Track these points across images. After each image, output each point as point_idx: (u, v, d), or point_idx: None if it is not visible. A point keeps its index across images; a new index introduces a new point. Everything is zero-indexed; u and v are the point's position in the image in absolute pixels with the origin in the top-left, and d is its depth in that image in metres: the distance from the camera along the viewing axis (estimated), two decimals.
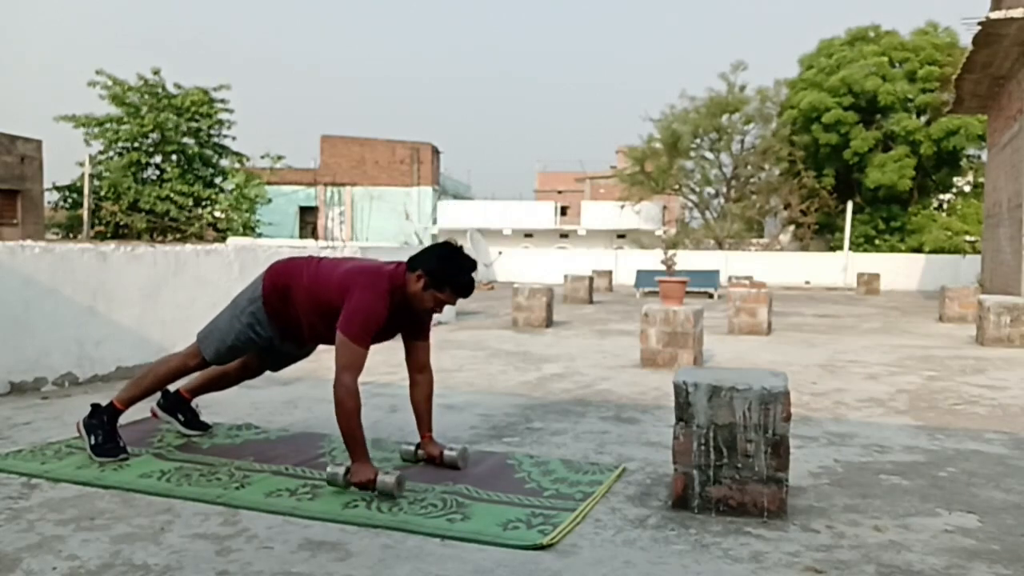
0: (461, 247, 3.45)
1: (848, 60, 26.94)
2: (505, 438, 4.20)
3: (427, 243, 31.82)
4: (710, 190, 31.86)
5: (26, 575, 2.42)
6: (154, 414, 4.10)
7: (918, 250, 25.15)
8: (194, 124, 26.26)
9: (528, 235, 35.73)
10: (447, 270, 3.34)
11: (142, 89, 25.79)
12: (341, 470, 3.14)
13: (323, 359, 6.74)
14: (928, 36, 26.96)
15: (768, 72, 60.02)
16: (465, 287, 3.38)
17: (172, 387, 4.05)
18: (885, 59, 26.52)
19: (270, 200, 30.51)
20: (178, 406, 4.05)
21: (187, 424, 4.05)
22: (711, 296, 18.07)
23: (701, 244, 29.03)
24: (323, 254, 7.20)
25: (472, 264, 3.40)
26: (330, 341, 3.35)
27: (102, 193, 25.64)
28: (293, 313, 3.54)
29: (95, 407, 3.71)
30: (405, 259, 3.46)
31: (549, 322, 10.49)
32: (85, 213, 24.99)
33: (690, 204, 33.25)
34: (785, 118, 28.16)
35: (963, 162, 27.46)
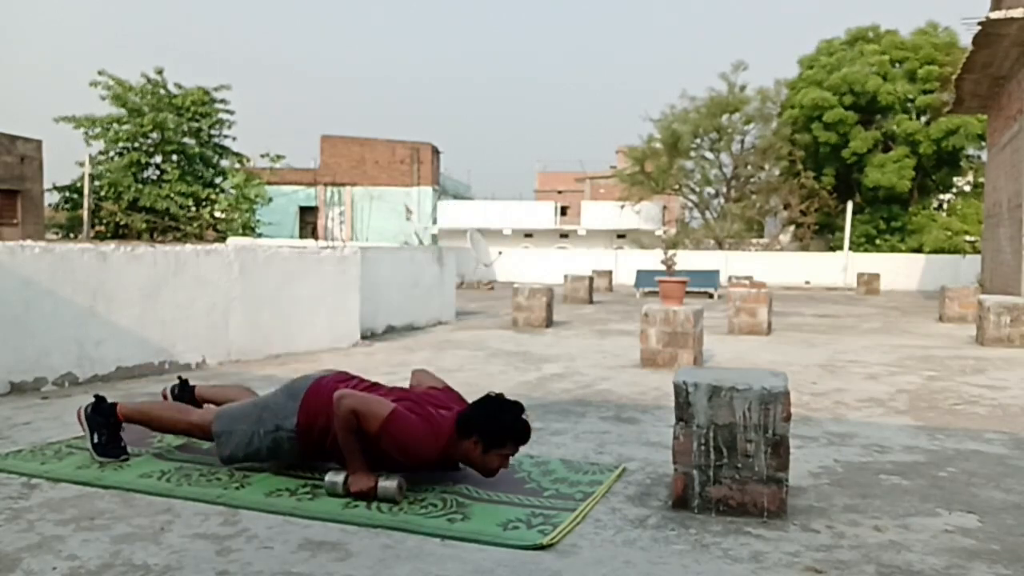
0: (500, 395, 3.35)
1: (848, 60, 26.95)
2: None
3: (427, 243, 31.71)
4: (710, 190, 31.89)
5: (26, 575, 2.42)
6: (164, 396, 4.09)
7: (918, 250, 25.16)
8: (194, 124, 26.25)
9: (528, 235, 35.75)
10: (501, 427, 3.23)
11: (144, 89, 25.79)
12: (340, 478, 3.12)
13: (322, 360, 6.74)
14: (928, 36, 26.97)
15: (768, 72, 59.86)
16: (524, 434, 3.28)
17: (192, 382, 4.11)
18: (885, 59, 26.53)
19: (270, 200, 30.49)
20: (189, 404, 4.03)
21: None
22: (711, 296, 18.07)
23: (701, 244, 29.04)
24: (322, 254, 7.19)
25: (520, 407, 3.30)
26: (384, 463, 3.20)
27: (102, 193, 25.62)
28: (334, 443, 3.32)
29: (99, 399, 3.69)
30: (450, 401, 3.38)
31: (549, 322, 10.49)
32: (85, 213, 24.98)
33: (690, 204, 33.26)
34: (785, 118, 28.16)
35: (963, 162, 27.47)
